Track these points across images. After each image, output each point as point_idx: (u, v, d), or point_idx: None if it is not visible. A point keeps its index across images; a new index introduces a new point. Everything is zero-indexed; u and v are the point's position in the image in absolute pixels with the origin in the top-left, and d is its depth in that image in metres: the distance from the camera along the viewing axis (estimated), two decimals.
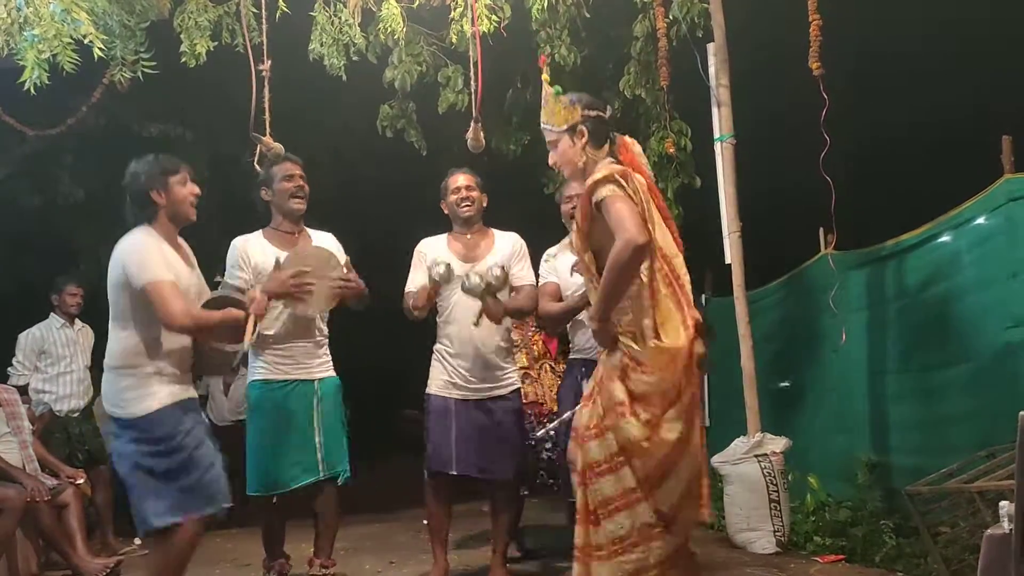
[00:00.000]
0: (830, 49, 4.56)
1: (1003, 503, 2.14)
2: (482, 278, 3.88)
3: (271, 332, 3.92)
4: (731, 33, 5.08)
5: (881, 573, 4.13)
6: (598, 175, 2.92)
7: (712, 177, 5.16)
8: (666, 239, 2.98)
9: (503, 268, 3.96)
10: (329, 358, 4.10)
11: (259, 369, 3.98)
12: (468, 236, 4.17)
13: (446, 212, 4.23)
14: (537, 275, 4.21)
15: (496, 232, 4.23)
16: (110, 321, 3.32)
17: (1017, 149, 4.29)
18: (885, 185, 7.18)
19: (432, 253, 4.12)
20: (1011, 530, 2.04)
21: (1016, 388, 3.98)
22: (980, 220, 4.46)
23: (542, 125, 3.17)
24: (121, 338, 3.27)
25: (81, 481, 5.24)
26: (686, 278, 2.97)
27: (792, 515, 4.82)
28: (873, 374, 5.15)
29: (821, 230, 5.46)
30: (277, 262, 3.79)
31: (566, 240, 4.10)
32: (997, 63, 6.31)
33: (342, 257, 4.00)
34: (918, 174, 6.91)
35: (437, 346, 4.16)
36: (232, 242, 4.00)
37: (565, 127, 3.05)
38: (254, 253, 3.95)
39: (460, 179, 4.17)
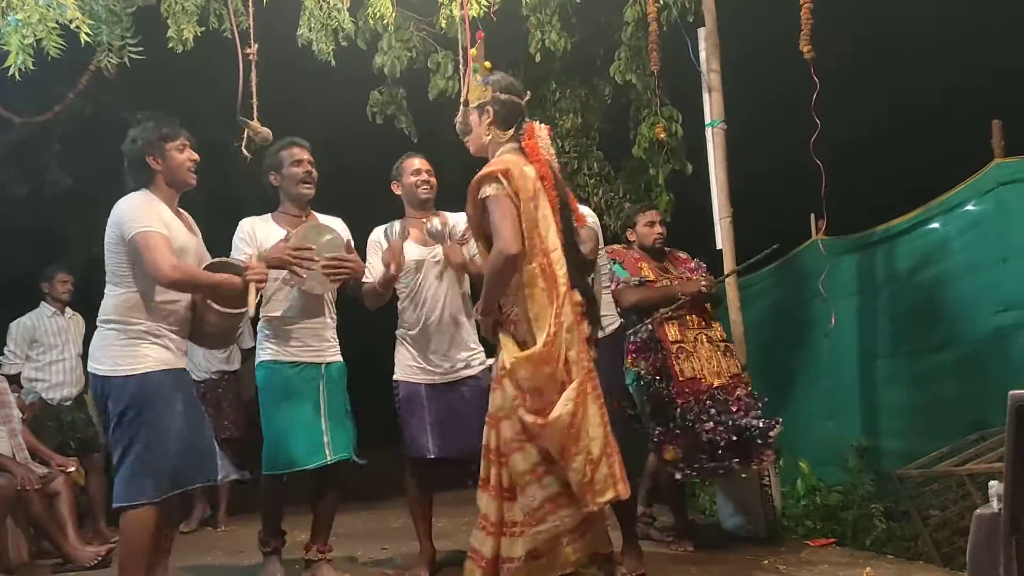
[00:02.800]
0: (821, 33, 4.55)
1: (992, 483, 2.15)
2: (444, 226, 3.98)
3: (277, 313, 3.93)
4: (722, 18, 5.07)
5: (871, 556, 4.15)
6: (484, 171, 3.08)
7: (703, 163, 5.16)
8: (550, 233, 3.05)
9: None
10: (336, 343, 4.09)
11: (267, 350, 3.97)
12: (423, 221, 4.09)
13: (397, 193, 4.19)
14: None
15: (449, 215, 4.18)
16: (106, 286, 3.29)
17: (1007, 133, 4.30)
18: (875, 170, 7.19)
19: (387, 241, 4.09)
20: (1000, 509, 2.05)
21: (1006, 372, 4.00)
22: (970, 205, 4.47)
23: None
24: (116, 294, 3.23)
25: (72, 469, 5.23)
26: (562, 271, 3.04)
27: (783, 499, 4.84)
28: (864, 359, 5.17)
29: (812, 216, 5.46)
30: (286, 236, 3.79)
31: None
32: (986, 46, 6.31)
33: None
34: (908, 159, 6.92)
35: (399, 331, 4.12)
36: (240, 222, 4.00)
37: (475, 103, 3.25)
38: (261, 234, 3.94)
39: (418, 162, 4.16)
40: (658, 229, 4.68)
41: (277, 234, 3.91)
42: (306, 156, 4.05)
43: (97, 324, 3.29)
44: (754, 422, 4.25)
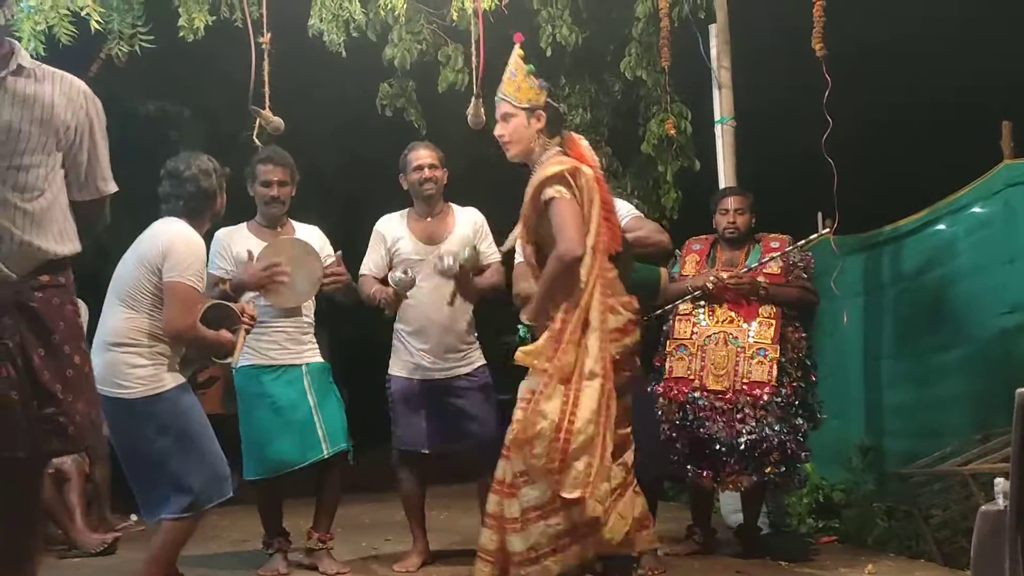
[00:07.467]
0: (833, 32, 4.55)
1: (998, 480, 2.16)
2: (455, 259, 3.82)
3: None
4: (733, 14, 5.06)
5: (873, 554, 4.16)
6: (550, 171, 2.99)
7: (712, 159, 5.16)
8: (589, 237, 3.01)
9: (475, 248, 3.90)
10: (315, 344, 4.09)
11: (244, 354, 3.90)
12: (428, 218, 4.10)
13: (405, 187, 4.15)
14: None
15: (456, 208, 4.17)
16: (116, 296, 3.30)
17: (1016, 135, 4.29)
18: (884, 170, 7.18)
19: (391, 234, 4.09)
20: (1006, 506, 2.06)
21: (1011, 373, 4.00)
22: (978, 206, 4.47)
23: (500, 96, 3.15)
24: (131, 317, 3.26)
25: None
26: (612, 274, 3.05)
27: (786, 496, 4.84)
28: (869, 358, 5.18)
29: (820, 214, 5.45)
30: (250, 255, 3.78)
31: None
32: (996, 47, 6.30)
33: (327, 251, 4.02)
34: (917, 159, 6.91)
35: (397, 326, 4.11)
36: (216, 233, 3.98)
37: (527, 105, 3.10)
38: (236, 245, 3.93)
39: (423, 154, 4.07)
40: (730, 218, 4.27)
41: (251, 245, 3.88)
42: (275, 177, 3.96)
43: (108, 348, 3.26)
44: (768, 432, 3.87)
